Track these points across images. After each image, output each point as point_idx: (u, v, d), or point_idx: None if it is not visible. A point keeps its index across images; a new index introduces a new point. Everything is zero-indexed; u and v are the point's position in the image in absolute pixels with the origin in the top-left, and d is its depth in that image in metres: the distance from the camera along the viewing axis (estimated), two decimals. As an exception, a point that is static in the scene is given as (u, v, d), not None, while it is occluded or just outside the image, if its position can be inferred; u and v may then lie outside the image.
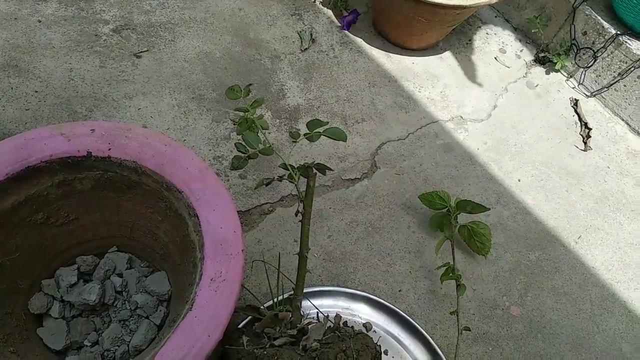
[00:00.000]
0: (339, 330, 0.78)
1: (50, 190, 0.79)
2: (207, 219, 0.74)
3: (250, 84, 0.82)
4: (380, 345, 0.79)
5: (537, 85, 1.52)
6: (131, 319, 0.84)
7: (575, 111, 1.48)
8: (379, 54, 1.46)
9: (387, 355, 0.94)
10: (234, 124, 0.80)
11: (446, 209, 1.09)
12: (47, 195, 0.79)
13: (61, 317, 0.83)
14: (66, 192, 0.81)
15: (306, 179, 0.81)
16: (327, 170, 0.82)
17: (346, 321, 0.93)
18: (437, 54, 1.51)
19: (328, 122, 0.82)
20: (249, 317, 0.87)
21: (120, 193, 0.83)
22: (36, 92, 1.16)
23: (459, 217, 1.09)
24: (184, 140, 1.15)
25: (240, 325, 0.86)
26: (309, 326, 0.78)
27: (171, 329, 0.67)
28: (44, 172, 0.76)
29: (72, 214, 0.84)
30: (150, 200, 0.82)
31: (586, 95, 1.53)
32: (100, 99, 1.18)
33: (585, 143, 1.41)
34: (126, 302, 0.86)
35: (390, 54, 1.47)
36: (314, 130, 0.82)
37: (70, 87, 1.19)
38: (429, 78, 1.44)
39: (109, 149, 0.78)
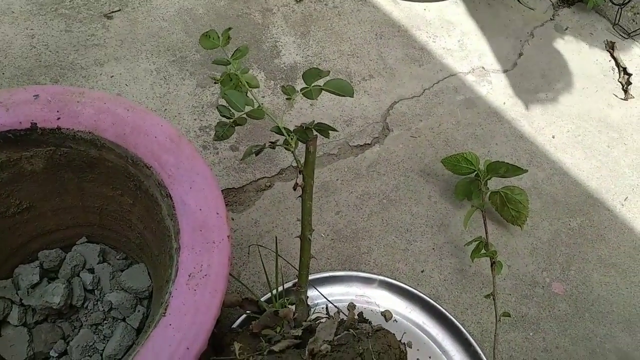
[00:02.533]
0: (354, 328, 0.63)
1: (-8, 173, 0.64)
2: (182, 199, 0.59)
3: (230, 28, 0.66)
4: (405, 344, 0.65)
5: (566, 29, 1.33)
6: (105, 322, 0.71)
7: (612, 55, 1.30)
8: (385, 1, 1.28)
9: (411, 348, 0.79)
10: (215, 82, 0.64)
11: (474, 173, 0.93)
12: (-12, 180, 0.64)
13: (22, 324, 0.69)
14: (13, 175, 0.66)
15: (305, 145, 0.66)
16: (330, 132, 0.66)
17: (361, 312, 0.78)
18: (451, -1, 1.33)
19: (329, 72, 0.66)
20: (245, 314, 0.73)
21: (80, 173, 0.69)
22: (-7, 63, 1.00)
23: (489, 183, 0.94)
24: (165, 109, 0.99)
25: (234, 325, 0.72)
26: (317, 323, 0.64)
27: (143, 337, 0.53)
28: (-21, 151, 0.62)
29: (25, 200, 0.69)
30: (117, 179, 0.68)
31: (623, 37, 1.35)
32: (67, 67, 1.02)
33: (625, 91, 1.24)
34: (99, 302, 0.72)
35: (398, 1, 1.29)
36: (313, 84, 0.66)
37: (32, 56, 1.03)
38: (443, 25, 1.26)
39: (58, 119, 0.62)
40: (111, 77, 1.02)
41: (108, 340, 0.69)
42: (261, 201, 0.92)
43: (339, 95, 0.66)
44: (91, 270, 0.74)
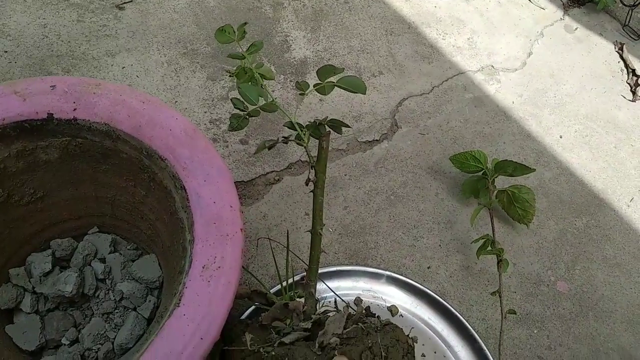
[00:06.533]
0: (363, 322, 0.64)
1: (8, 162, 0.65)
2: (197, 191, 0.60)
3: (246, 23, 0.66)
4: (412, 338, 0.66)
5: (576, 29, 1.33)
6: (116, 311, 0.72)
7: (621, 57, 1.30)
8: (395, -2, 1.28)
9: (416, 343, 0.80)
10: (230, 76, 0.65)
11: (482, 171, 0.94)
12: (4, 169, 0.65)
13: (34, 311, 0.70)
14: (28, 164, 0.67)
15: (317, 140, 0.66)
16: (343, 129, 0.67)
17: (369, 306, 0.79)
18: (461, -4, 1.33)
19: (343, 69, 0.66)
20: (254, 306, 0.74)
21: (95, 163, 0.69)
22: (5, 52, 1.01)
23: (496, 181, 0.94)
24: (175, 101, 1.00)
25: (243, 316, 0.73)
26: (326, 317, 0.65)
27: (157, 327, 0.54)
28: (-4, 140, 0.63)
29: (39, 190, 0.70)
30: (130, 170, 0.68)
31: (633, 38, 1.34)
32: (79, 57, 1.03)
33: (633, 92, 1.24)
34: (110, 291, 0.73)
35: (409, -3, 1.29)
36: (326, 80, 0.67)
37: (44, 45, 1.03)
38: (453, 23, 1.27)
39: (75, 110, 0.63)
40: (122, 68, 1.03)
41: (119, 329, 0.70)
42: (270, 195, 0.93)
43: (351, 92, 0.66)
44: (102, 260, 0.75)
